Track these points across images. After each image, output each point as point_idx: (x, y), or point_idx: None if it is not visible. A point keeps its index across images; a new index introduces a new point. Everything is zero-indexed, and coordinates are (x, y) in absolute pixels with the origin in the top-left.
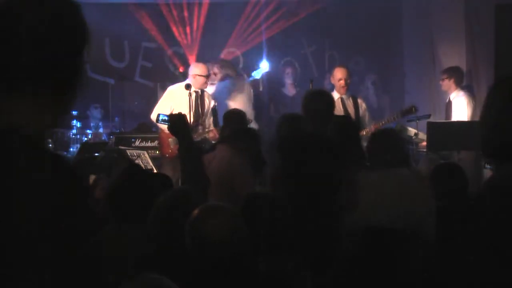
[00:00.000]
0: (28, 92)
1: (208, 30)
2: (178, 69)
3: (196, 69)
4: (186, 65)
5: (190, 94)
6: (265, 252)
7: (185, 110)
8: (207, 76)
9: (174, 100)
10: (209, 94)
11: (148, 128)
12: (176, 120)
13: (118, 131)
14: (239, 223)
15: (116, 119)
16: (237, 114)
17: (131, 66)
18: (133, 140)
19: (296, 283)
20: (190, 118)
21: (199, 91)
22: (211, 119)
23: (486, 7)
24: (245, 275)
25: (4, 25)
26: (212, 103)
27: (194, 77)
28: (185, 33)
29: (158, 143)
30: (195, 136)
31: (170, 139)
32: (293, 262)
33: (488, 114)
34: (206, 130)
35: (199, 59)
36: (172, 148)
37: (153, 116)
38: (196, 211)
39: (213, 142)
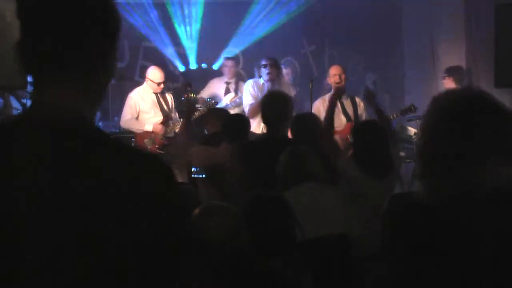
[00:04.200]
0: (82, 79)
1: (208, 30)
2: (178, 69)
3: (151, 74)
4: (187, 65)
5: (156, 95)
6: (265, 252)
7: (150, 111)
8: (159, 84)
9: (138, 104)
10: (168, 92)
11: None
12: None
13: (118, 130)
14: (239, 223)
15: (116, 118)
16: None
17: (131, 66)
18: (133, 140)
19: (297, 283)
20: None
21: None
22: (177, 114)
23: (486, 7)
24: (245, 275)
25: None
26: (169, 99)
27: (146, 82)
28: (186, 33)
29: (136, 146)
30: (168, 130)
31: (145, 140)
32: (294, 262)
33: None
34: (178, 123)
35: (199, 59)
36: (150, 148)
37: (123, 123)
38: (197, 211)
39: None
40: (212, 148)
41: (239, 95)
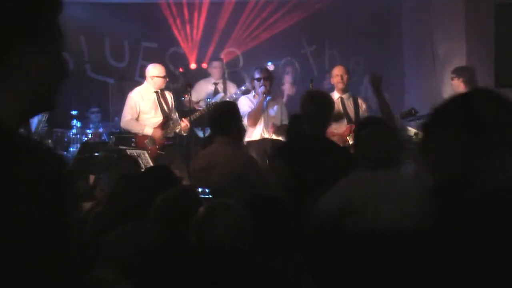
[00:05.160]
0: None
1: (208, 30)
2: (178, 69)
3: (154, 70)
4: (186, 65)
5: (157, 94)
6: (266, 252)
7: (150, 110)
8: (164, 77)
9: (138, 103)
10: (168, 92)
11: None
12: None
13: (118, 131)
14: (245, 221)
15: (116, 119)
16: (225, 105)
17: (131, 66)
18: (133, 140)
19: (297, 283)
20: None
21: (159, 91)
22: (177, 114)
23: (486, 7)
24: (245, 275)
25: None
26: (169, 99)
27: (152, 79)
28: (185, 33)
29: (136, 147)
30: (168, 131)
31: (146, 141)
32: (294, 262)
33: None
34: (177, 123)
35: (199, 59)
36: (150, 149)
37: (123, 124)
38: (202, 209)
39: (184, 134)
40: (209, 148)
41: (228, 94)
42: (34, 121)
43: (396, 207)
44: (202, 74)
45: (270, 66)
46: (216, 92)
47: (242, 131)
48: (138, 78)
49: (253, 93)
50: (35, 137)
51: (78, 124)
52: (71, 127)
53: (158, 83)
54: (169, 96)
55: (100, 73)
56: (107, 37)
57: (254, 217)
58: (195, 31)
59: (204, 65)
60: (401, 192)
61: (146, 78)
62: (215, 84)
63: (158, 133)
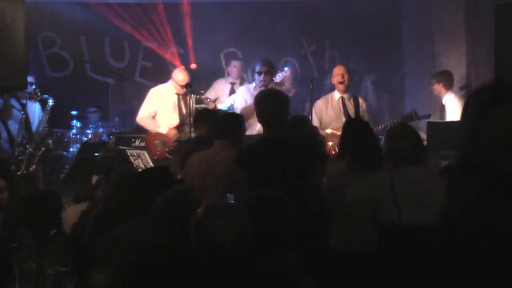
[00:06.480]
0: None
1: (208, 30)
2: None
3: (176, 74)
4: (186, 65)
5: (178, 97)
6: (266, 252)
7: (169, 111)
8: (182, 87)
9: (158, 101)
10: (192, 97)
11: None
12: None
13: (118, 131)
14: (245, 222)
15: (116, 119)
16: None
17: (131, 66)
18: (133, 140)
19: (297, 283)
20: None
21: (181, 94)
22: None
23: (486, 7)
24: (245, 275)
25: None
26: (191, 103)
27: (172, 80)
28: (185, 33)
29: (146, 146)
30: (182, 136)
31: (156, 141)
32: (294, 262)
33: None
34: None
35: (199, 59)
36: (159, 150)
37: (139, 120)
38: (201, 210)
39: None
40: (204, 150)
41: None
42: (35, 122)
43: (421, 204)
44: (201, 74)
45: (287, 72)
46: (232, 92)
47: (242, 138)
48: (138, 78)
49: (253, 84)
50: (35, 137)
51: (78, 124)
52: (71, 127)
53: (177, 88)
54: (191, 100)
55: (100, 73)
56: (107, 37)
57: (254, 217)
58: (194, 31)
59: (192, 66)
60: (426, 189)
61: (171, 79)
62: (232, 84)
63: (173, 133)
